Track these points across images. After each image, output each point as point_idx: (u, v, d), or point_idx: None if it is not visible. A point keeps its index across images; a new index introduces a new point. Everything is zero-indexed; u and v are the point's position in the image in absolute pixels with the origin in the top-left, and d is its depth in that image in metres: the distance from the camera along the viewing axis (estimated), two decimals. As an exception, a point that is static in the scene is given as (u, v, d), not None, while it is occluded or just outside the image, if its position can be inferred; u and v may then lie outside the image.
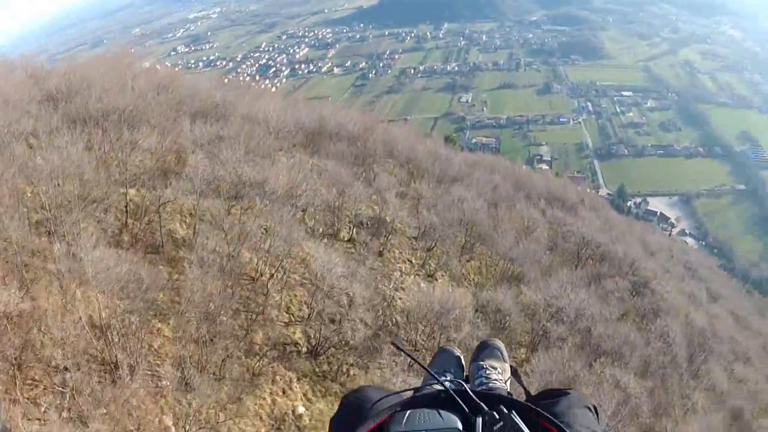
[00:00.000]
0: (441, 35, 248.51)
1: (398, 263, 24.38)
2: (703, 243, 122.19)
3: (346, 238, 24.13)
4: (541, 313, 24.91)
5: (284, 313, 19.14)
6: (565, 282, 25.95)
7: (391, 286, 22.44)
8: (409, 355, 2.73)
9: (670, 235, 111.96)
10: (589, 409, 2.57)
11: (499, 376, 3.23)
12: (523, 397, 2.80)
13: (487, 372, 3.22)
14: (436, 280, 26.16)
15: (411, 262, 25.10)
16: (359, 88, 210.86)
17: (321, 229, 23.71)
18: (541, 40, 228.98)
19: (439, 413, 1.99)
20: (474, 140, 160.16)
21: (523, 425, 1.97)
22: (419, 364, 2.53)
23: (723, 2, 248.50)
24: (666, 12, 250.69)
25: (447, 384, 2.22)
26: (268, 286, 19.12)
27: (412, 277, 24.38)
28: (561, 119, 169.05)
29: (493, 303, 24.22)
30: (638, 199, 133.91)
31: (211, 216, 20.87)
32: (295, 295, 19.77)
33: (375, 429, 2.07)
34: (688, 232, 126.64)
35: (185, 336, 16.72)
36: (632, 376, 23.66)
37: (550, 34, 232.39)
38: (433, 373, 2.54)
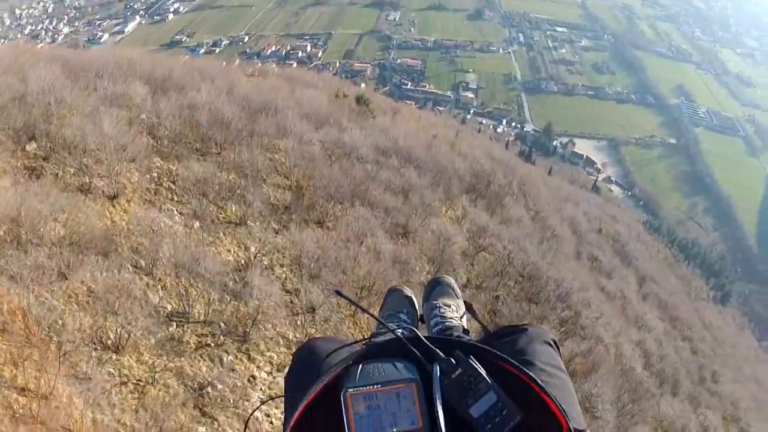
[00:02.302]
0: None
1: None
2: (629, 193, 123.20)
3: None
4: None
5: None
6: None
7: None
8: (354, 303, 2.51)
9: (596, 182, 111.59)
10: (549, 344, 2.43)
11: (454, 313, 3.17)
12: (480, 334, 2.77)
13: (442, 310, 3.16)
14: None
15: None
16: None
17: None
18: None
19: (393, 364, 1.94)
20: (399, 61, 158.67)
21: (482, 369, 1.88)
22: (366, 312, 2.36)
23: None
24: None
25: (398, 332, 2.17)
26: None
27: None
28: (491, 48, 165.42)
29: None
30: (564, 140, 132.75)
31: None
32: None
33: (329, 385, 1.98)
34: (614, 179, 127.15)
35: None
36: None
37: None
38: (383, 321, 2.50)
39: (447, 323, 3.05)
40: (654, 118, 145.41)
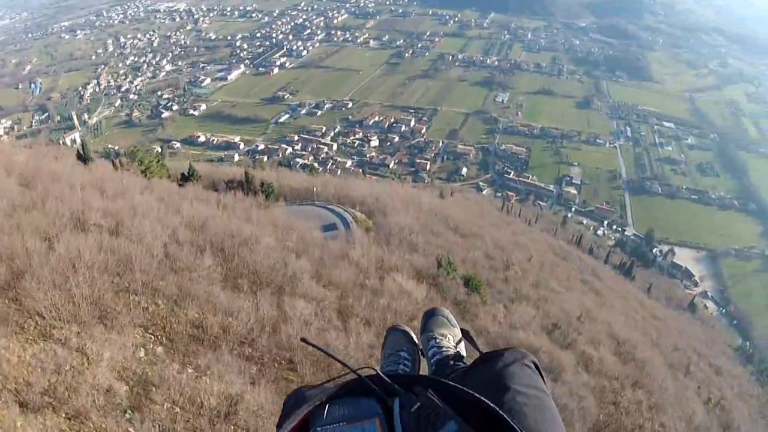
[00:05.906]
0: (485, 24, 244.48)
1: None
2: (724, 311, 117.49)
3: None
4: None
5: None
6: None
7: None
8: (320, 349, 2.44)
9: (693, 299, 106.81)
10: (528, 366, 2.41)
11: (450, 342, 3.26)
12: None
13: (438, 340, 3.26)
14: None
15: None
16: (393, 66, 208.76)
17: None
18: (587, 49, 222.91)
19: (358, 401, 2.03)
20: (503, 147, 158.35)
21: (441, 402, 1.96)
22: (330, 356, 2.38)
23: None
24: (717, 43, 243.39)
25: (360, 371, 2.24)
26: None
27: None
28: (597, 140, 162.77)
29: None
30: (665, 248, 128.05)
31: None
32: None
33: (297, 427, 2.04)
34: (710, 295, 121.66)
35: None
36: None
37: (598, 45, 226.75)
38: (346, 364, 2.40)
39: (444, 352, 3.17)
40: (755, 227, 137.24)
